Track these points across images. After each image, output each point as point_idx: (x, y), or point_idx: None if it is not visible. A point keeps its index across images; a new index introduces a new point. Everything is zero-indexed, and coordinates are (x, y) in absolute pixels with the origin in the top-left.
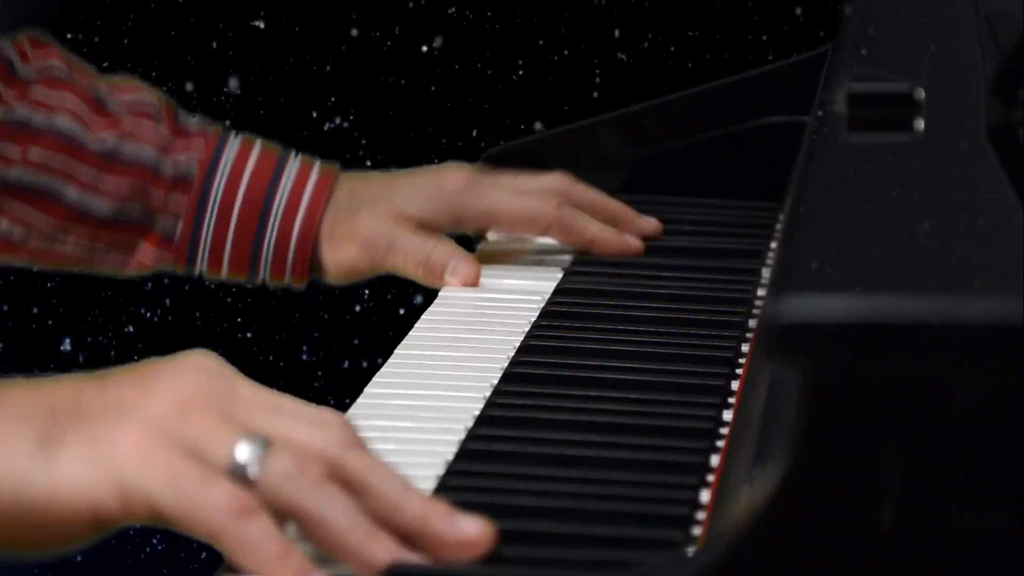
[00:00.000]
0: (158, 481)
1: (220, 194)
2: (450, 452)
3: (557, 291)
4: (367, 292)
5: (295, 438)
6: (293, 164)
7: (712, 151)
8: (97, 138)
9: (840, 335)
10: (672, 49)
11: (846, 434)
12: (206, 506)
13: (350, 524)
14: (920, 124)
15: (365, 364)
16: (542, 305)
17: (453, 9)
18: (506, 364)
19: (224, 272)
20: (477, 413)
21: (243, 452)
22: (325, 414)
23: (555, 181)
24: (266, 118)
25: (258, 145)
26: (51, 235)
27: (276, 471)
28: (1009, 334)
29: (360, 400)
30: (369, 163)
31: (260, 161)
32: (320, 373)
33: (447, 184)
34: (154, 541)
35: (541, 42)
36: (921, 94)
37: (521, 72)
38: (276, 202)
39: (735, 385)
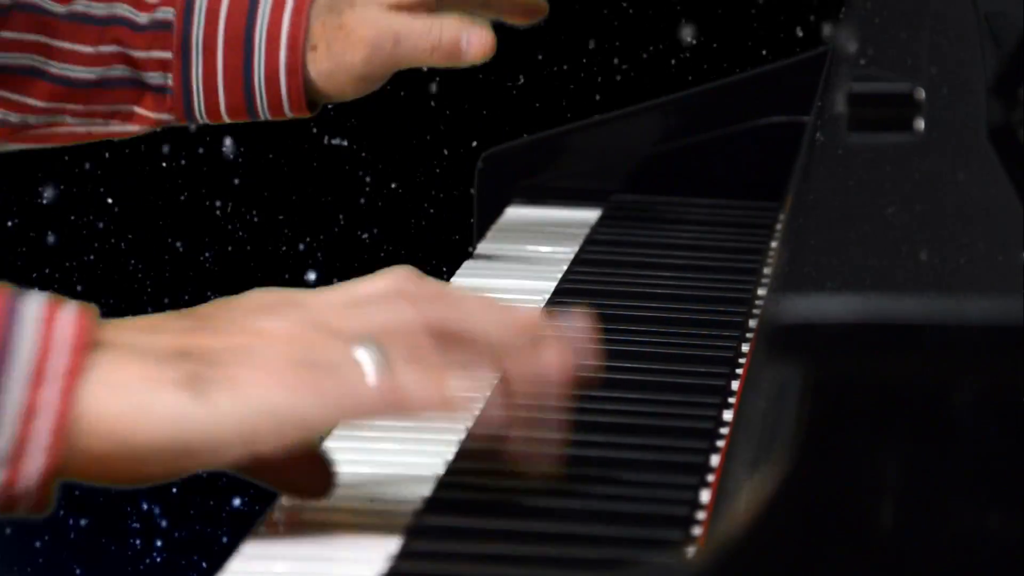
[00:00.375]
0: (304, 400)
1: (201, 37)
2: (450, 452)
3: (557, 291)
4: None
5: (389, 324)
6: None
7: (712, 151)
8: (65, 5)
9: (840, 335)
10: (672, 49)
11: (847, 434)
12: (357, 396)
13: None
14: (920, 124)
15: None
16: (542, 305)
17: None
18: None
19: (224, 116)
20: (477, 413)
21: (363, 358)
22: (389, 284)
23: None
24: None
25: None
26: (47, 114)
27: (399, 367)
28: (1009, 334)
29: None
30: (368, 178)
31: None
32: None
33: None
34: (155, 552)
35: (540, 42)
36: (921, 94)
37: (520, 74)
38: (257, 34)
39: (735, 385)
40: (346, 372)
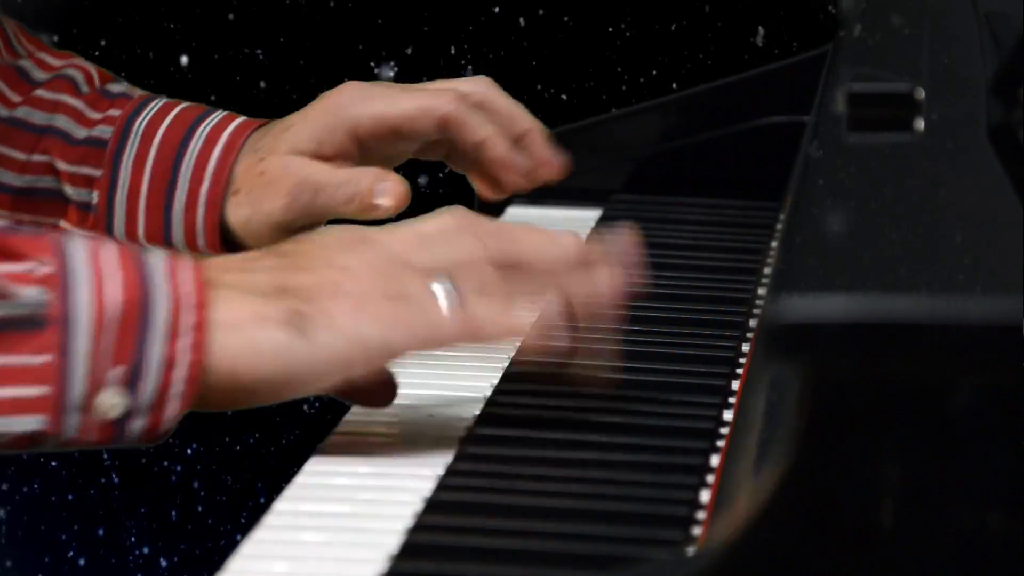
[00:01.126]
0: (390, 331)
1: (133, 156)
2: (451, 452)
3: None
4: None
5: (458, 258)
6: (212, 118)
7: (712, 151)
8: (7, 109)
9: (840, 335)
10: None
11: (846, 434)
12: (435, 326)
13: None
14: (920, 124)
15: None
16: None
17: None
18: (506, 364)
19: (141, 237)
20: (477, 412)
21: (438, 291)
22: (451, 221)
23: (466, 83)
24: None
25: (181, 105)
26: None
27: (470, 298)
28: (1009, 334)
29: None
30: None
31: (176, 118)
32: None
33: (335, 103)
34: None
35: (540, 43)
36: (921, 94)
37: (521, 74)
38: (185, 163)
39: (735, 385)
40: (424, 304)
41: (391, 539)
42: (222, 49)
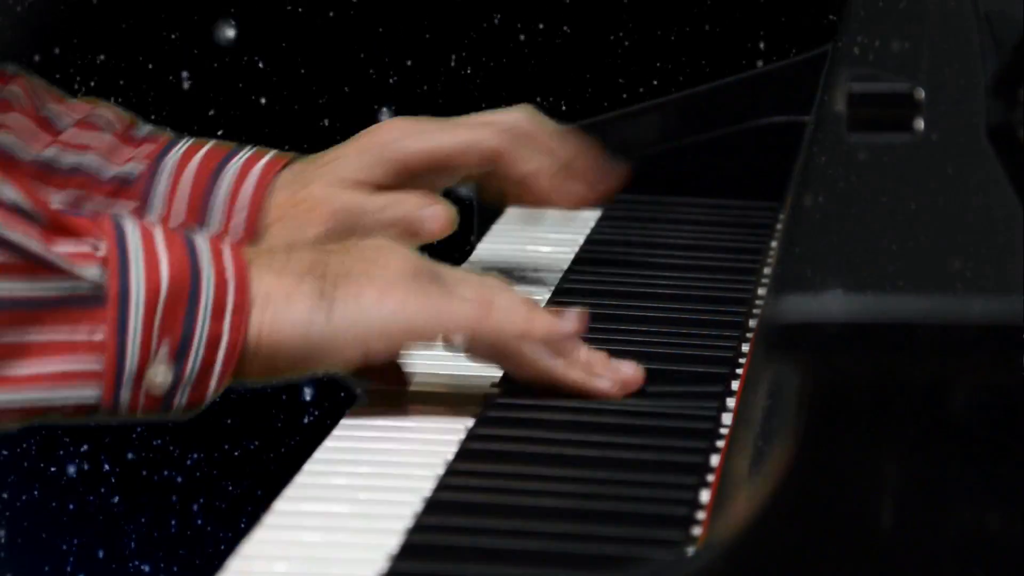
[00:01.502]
0: (411, 312)
1: (164, 193)
2: (450, 451)
3: (557, 291)
4: None
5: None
6: (242, 155)
7: (712, 151)
8: (36, 151)
9: (840, 335)
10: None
11: (846, 434)
12: (454, 316)
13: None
14: (920, 124)
15: None
16: (542, 305)
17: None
18: None
19: None
20: (477, 412)
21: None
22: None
23: (510, 116)
24: (266, 137)
25: (209, 144)
26: None
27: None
28: (1009, 334)
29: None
30: None
31: (207, 156)
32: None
33: (385, 137)
34: None
35: (540, 43)
36: (921, 94)
37: (521, 74)
38: (220, 191)
39: (735, 385)
40: (450, 293)
41: (391, 539)
42: (222, 62)
